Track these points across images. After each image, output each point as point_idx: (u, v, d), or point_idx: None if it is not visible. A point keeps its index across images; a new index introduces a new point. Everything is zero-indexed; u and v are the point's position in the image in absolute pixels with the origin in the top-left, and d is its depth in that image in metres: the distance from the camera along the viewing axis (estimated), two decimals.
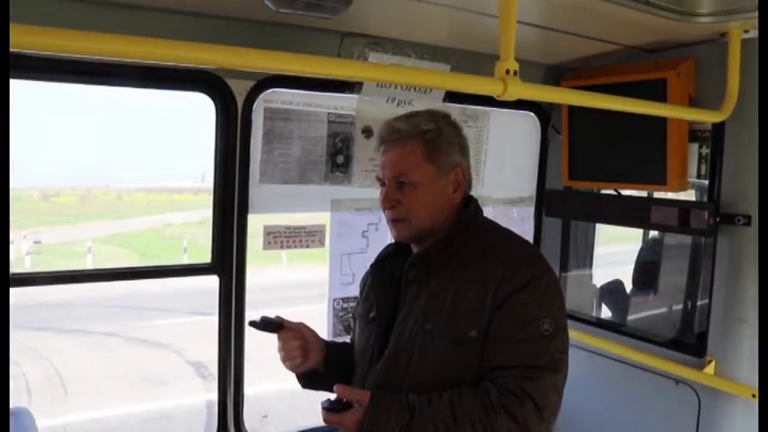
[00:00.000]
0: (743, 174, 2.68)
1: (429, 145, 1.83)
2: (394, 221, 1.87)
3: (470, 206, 1.92)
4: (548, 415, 1.69)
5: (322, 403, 1.79)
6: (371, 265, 2.06)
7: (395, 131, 1.86)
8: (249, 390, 2.80)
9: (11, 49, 1.16)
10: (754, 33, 2.53)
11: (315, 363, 2.01)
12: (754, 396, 2.62)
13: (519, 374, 1.67)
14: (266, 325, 1.95)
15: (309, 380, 2.06)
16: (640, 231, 3.82)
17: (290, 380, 2.12)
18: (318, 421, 1.88)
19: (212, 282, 2.66)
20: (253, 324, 1.95)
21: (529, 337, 1.70)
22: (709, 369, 2.74)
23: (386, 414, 1.69)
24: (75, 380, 8.92)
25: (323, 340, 2.07)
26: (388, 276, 1.95)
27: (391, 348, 1.82)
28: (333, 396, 1.79)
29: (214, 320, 2.70)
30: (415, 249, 1.91)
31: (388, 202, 1.84)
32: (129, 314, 12.86)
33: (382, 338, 1.87)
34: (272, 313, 1.98)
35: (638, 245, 3.79)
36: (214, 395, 2.79)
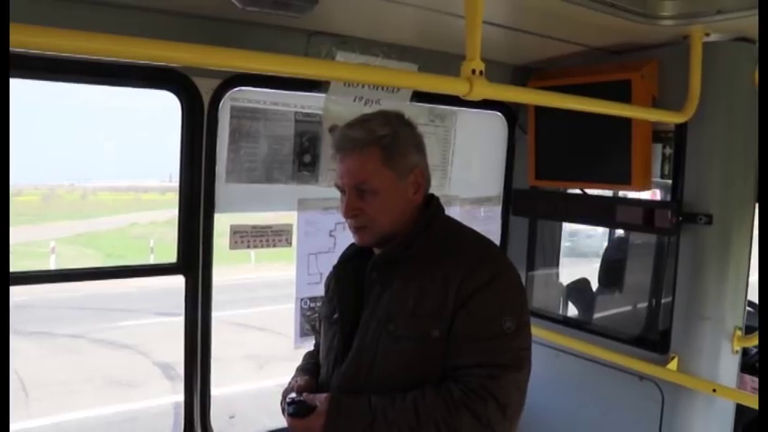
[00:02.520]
0: (705, 173, 2.73)
1: (386, 150, 1.81)
2: (357, 228, 1.86)
3: (431, 205, 1.92)
4: (511, 413, 1.70)
5: (287, 409, 1.78)
6: (334, 266, 2.05)
7: (350, 140, 1.83)
8: (216, 391, 2.77)
9: None
10: (714, 37, 2.59)
11: None
12: (714, 391, 2.68)
13: (482, 373, 1.67)
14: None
15: None
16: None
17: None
18: (284, 422, 1.87)
19: (178, 282, 2.64)
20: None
21: (491, 335, 1.70)
22: (672, 365, 2.79)
23: (346, 420, 1.70)
24: (38, 384, 8.73)
25: (314, 379, 1.99)
26: (351, 277, 1.94)
27: (355, 350, 1.82)
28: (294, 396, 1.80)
29: (180, 321, 2.67)
30: (377, 250, 1.91)
31: (351, 211, 1.83)
32: (93, 316, 12.66)
33: (346, 340, 1.86)
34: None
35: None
36: (181, 396, 2.76)
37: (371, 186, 1.80)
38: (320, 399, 1.76)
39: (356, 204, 1.82)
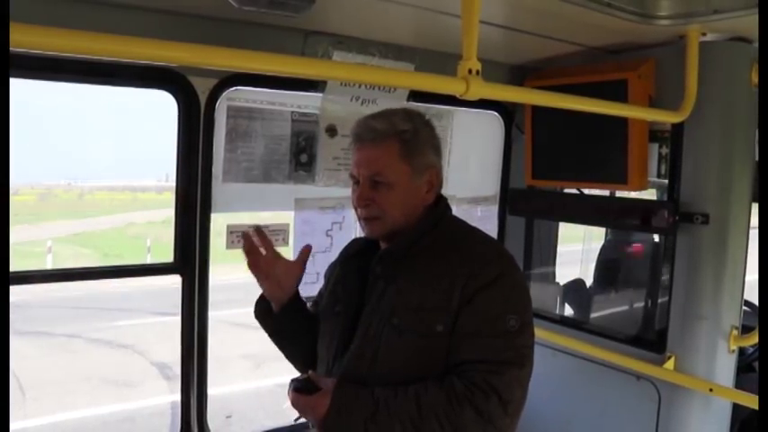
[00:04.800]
0: (701, 173, 2.74)
1: (405, 145, 1.83)
2: (367, 219, 1.86)
3: (440, 204, 1.93)
4: (512, 410, 1.70)
5: (293, 382, 1.78)
6: (339, 260, 2.05)
7: (371, 130, 1.84)
8: (213, 390, 2.77)
9: None
10: (711, 36, 2.59)
11: (282, 297, 2.01)
12: (711, 390, 2.69)
13: (485, 369, 1.68)
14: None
15: (264, 311, 2.07)
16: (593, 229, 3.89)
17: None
18: (282, 421, 1.86)
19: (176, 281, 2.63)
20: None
21: (495, 332, 1.71)
22: (669, 365, 2.79)
23: (351, 405, 1.70)
24: (34, 383, 8.71)
25: (297, 292, 2.05)
26: (354, 270, 1.95)
27: (357, 343, 1.82)
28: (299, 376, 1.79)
29: (178, 320, 2.67)
30: (383, 245, 1.91)
31: (363, 201, 1.84)
32: (90, 315, 12.63)
33: (347, 333, 1.86)
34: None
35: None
36: (178, 396, 2.75)
37: (386, 179, 1.81)
38: (326, 382, 1.77)
39: (369, 195, 1.83)
